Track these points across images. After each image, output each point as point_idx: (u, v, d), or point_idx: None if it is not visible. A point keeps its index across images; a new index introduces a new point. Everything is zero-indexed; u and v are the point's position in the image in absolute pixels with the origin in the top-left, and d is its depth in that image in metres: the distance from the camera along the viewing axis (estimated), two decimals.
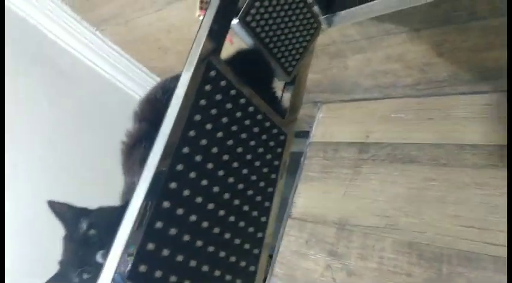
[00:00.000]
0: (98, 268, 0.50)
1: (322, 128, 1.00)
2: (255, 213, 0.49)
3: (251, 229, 0.49)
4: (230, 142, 0.46)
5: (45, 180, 1.09)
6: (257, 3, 0.51)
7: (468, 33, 0.67)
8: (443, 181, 0.76)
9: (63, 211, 0.53)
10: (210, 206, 0.43)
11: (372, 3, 0.60)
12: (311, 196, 0.91)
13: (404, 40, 0.74)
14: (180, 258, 0.40)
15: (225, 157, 0.45)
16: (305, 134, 1.06)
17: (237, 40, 0.53)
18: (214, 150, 0.44)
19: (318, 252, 0.82)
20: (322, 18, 0.61)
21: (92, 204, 0.56)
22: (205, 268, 0.42)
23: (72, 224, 0.52)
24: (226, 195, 0.45)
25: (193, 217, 0.41)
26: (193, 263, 0.41)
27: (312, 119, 1.05)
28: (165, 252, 0.39)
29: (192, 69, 0.41)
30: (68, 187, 1.10)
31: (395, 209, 0.78)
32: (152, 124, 0.55)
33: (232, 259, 0.46)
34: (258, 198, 0.50)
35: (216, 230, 0.44)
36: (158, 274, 0.38)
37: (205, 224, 0.43)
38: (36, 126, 1.11)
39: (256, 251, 0.49)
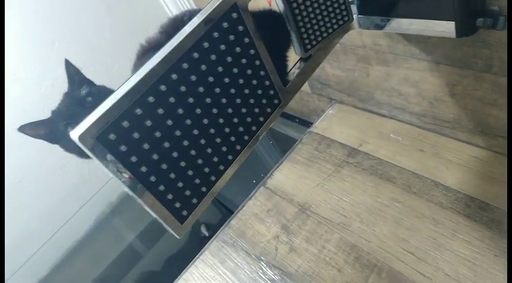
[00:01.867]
0: None
1: (326, 123, 1.03)
2: (224, 148, 0.53)
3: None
4: (226, 80, 0.50)
5: None
6: None
7: (481, 83, 0.68)
8: (407, 206, 0.79)
9: (74, 73, 0.58)
10: (189, 121, 0.47)
11: (406, 20, 0.62)
12: (289, 176, 0.95)
13: (424, 68, 0.76)
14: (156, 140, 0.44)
15: (217, 90, 0.49)
16: (309, 125, 1.09)
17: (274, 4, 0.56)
18: (211, 79, 0.47)
19: (274, 222, 0.87)
20: (355, 16, 0.63)
21: None
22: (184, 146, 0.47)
23: (75, 86, 0.58)
24: (206, 121, 0.49)
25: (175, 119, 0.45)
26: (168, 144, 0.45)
27: (323, 114, 1.08)
28: (147, 124, 0.42)
29: (216, 4, 0.45)
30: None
31: (354, 213, 0.82)
32: (169, 38, 0.60)
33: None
34: (232, 139, 0.53)
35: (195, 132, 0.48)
36: (123, 146, 0.41)
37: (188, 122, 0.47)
38: None
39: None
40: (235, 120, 0.53)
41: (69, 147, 0.55)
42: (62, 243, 1.32)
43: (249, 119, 0.55)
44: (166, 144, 0.45)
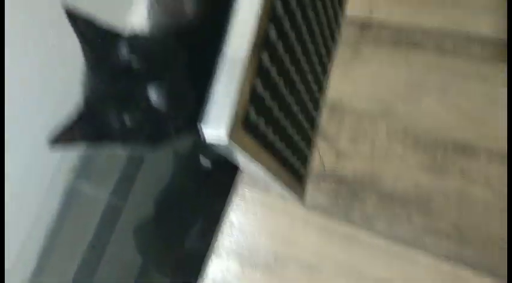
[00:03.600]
0: (146, 108, 0.36)
1: None
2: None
3: None
4: None
5: None
6: None
7: None
8: (447, 70, 0.71)
9: (87, 27, 0.36)
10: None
11: None
12: None
13: None
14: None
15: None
16: None
17: None
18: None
19: None
20: None
21: None
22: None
23: (99, 47, 0.36)
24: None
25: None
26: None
27: None
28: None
29: None
30: None
31: (394, 95, 0.72)
32: None
33: None
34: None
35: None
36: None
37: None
38: None
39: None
40: None
41: (134, 143, 0.37)
42: (40, 226, 1.15)
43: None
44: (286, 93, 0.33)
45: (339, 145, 0.73)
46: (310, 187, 0.72)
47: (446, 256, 0.62)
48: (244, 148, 0.34)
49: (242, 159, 0.38)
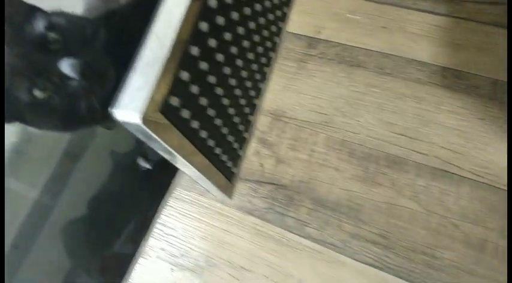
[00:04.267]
0: (60, 84, 0.35)
1: None
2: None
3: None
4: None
5: None
6: None
7: None
8: (385, 89, 0.75)
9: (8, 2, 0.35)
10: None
11: None
12: None
13: None
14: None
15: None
16: None
17: None
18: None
19: (248, 139, 0.76)
20: None
21: None
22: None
23: (18, 22, 0.35)
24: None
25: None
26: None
27: None
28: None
29: None
30: None
31: (334, 108, 0.75)
32: None
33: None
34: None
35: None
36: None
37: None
38: None
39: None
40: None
41: (45, 122, 0.36)
42: None
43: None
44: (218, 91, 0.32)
45: (279, 152, 0.74)
46: (247, 192, 0.72)
47: (372, 261, 0.63)
48: (159, 133, 0.33)
49: (159, 146, 0.37)
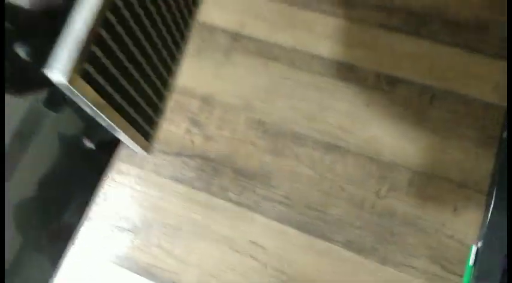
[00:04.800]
0: (15, 65, 0.45)
1: (204, 11, 1.00)
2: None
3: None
4: None
5: None
6: None
7: None
8: (295, 81, 0.90)
9: None
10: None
11: None
12: (184, 71, 0.94)
13: None
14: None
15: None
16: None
17: None
18: None
19: (182, 119, 0.89)
20: None
21: None
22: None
23: None
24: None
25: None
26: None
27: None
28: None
29: None
30: None
31: (254, 94, 0.90)
32: None
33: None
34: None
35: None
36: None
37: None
38: None
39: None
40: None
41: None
42: None
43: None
44: (126, 63, 0.44)
45: (207, 131, 0.87)
46: (179, 165, 0.85)
47: (278, 218, 0.79)
48: (80, 90, 0.44)
49: (82, 102, 0.47)
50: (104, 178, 0.86)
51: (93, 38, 0.44)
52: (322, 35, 0.93)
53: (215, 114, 0.89)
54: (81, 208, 0.84)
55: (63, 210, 0.96)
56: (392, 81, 0.88)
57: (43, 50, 0.48)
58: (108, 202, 0.84)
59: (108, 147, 0.90)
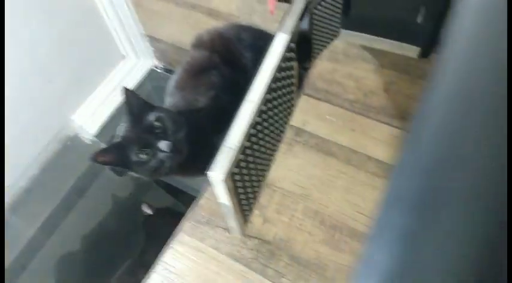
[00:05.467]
0: (156, 154, 0.52)
1: None
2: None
3: None
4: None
5: None
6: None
7: (414, 85, 0.88)
8: (351, 177, 0.97)
9: (134, 99, 0.53)
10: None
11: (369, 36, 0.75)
12: None
13: (370, 69, 0.92)
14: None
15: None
16: None
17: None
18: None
19: None
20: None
21: None
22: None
23: (137, 111, 0.53)
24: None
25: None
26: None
27: None
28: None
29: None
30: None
31: (312, 184, 0.96)
32: (223, 60, 0.61)
33: None
34: None
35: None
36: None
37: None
38: None
39: None
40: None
41: (141, 172, 0.53)
42: None
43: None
44: (250, 165, 0.53)
45: (266, 213, 0.92)
46: (238, 243, 0.88)
47: None
48: (228, 187, 0.52)
49: (223, 195, 0.55)
50: (166, 248, 0.88)
51: (240, 149, 0.53)
52: (378, 140, 1.02)
53: (275, 199, 0.94)
54: (139, 274, 0.85)
55: (112, 273, 0.97)
56: None
57: (181, 150, 0.57)
58: (166, 272, 0.85)
59: (169, 215, 0.94)
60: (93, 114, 1.30)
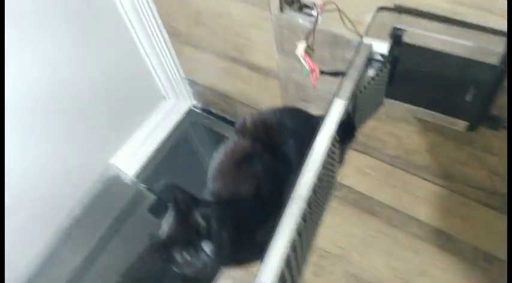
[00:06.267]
0: (199, 255, 0.52)
1: None
2: None
3: None
4: None
5: None
6: None
7: (460, 150, 0.83)
8: (392, 238, 0.92)
9: (179, 195, 0.53)
10: None
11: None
12: None
13: (413, 131, 0.88)
14: None
15: None
16: None
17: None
18: None
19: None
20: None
21: None
22: None
23: (183, 207, 0.53)
24: None
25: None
26: None
27: None
28: None
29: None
30: None
31: (351, 245, 0.92)
32: (266, 149, 0.60)
33: None
34: None
35: None
36: None
37: None
38: None
39: None
40: None
41: (186, 272, 0.53)
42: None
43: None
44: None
45: (303, 274, 0.89)
46: None
47: None
48: None
49: None
50: None
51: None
52: (420, 199, 0.97)
53: (312, 258, 0.91)
54: None
55: None
56: (490, 259, 0.88)
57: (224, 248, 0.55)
58: None
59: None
60: (133, 155, 1.33)
